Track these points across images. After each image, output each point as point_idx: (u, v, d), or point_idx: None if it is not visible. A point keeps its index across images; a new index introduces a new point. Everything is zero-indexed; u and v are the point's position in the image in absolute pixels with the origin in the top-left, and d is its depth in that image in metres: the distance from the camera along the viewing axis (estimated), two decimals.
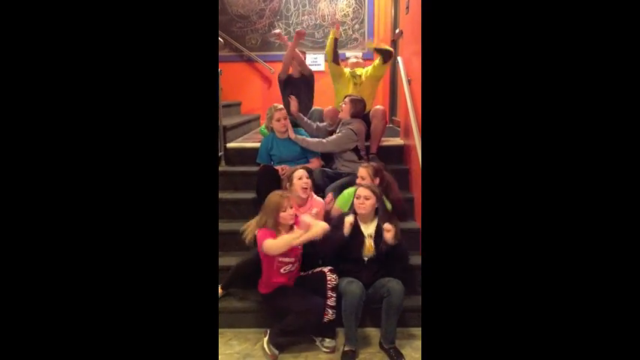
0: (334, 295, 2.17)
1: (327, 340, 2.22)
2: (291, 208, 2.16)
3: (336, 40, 3.44)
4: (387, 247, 2.20)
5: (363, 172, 2.53)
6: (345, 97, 3.12)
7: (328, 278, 2.17)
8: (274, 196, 2.17)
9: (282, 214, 2.13)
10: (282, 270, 2.22)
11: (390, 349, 2.16)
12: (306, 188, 2.38)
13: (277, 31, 3.74)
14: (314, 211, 2.32)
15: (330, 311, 2.16)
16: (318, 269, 2.26)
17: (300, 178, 2.40)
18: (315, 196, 2.56)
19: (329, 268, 2.22)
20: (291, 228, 2.21)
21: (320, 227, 2.07)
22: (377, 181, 2.52)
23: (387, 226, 2.16)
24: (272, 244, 2.07)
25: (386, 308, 2.14)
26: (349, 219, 2.23)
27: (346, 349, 2.16)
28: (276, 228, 2.15)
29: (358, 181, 2.52)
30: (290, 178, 2.45)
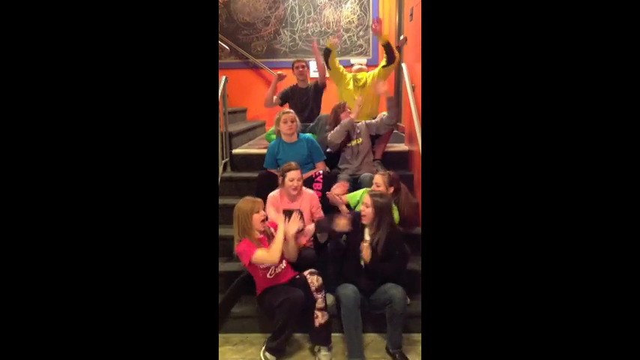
0: (320, 295, 2.17)
1: (323, 351, 2.17)
2: (262, 211, 2.24)
3: (327, 49, 3.51)
4: (384, 254, 2.20)
5: (379, 179, 2.57)
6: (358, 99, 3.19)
7: (309, 280, 2.18)
8: (244, 202, 2.24)
9: (254, 216, 2.19)
10: (268, 275, 2.25)
11: (396, 353, 2.18)
12: (295, 188, 2.53)
13: (281, 73, 3.81)
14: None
15: (319, 314, 2.15)
16: (303, 273, 2.27)
17: (291, 179, 2.51)
18: (305, 188, 2.66)
19: (309, 270, 2.24)
20: (264, 232, 2.26)
21: (294, 224, 2.19)
22: (391, 189, 2.55)
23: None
24: (264, 254, 2.13)
25: (389, 316, 2.15)
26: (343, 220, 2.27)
27: None
28: (251, 236, 2.19)
29: (373, 187, 2.56)
30: (284, 176, 2.54)
